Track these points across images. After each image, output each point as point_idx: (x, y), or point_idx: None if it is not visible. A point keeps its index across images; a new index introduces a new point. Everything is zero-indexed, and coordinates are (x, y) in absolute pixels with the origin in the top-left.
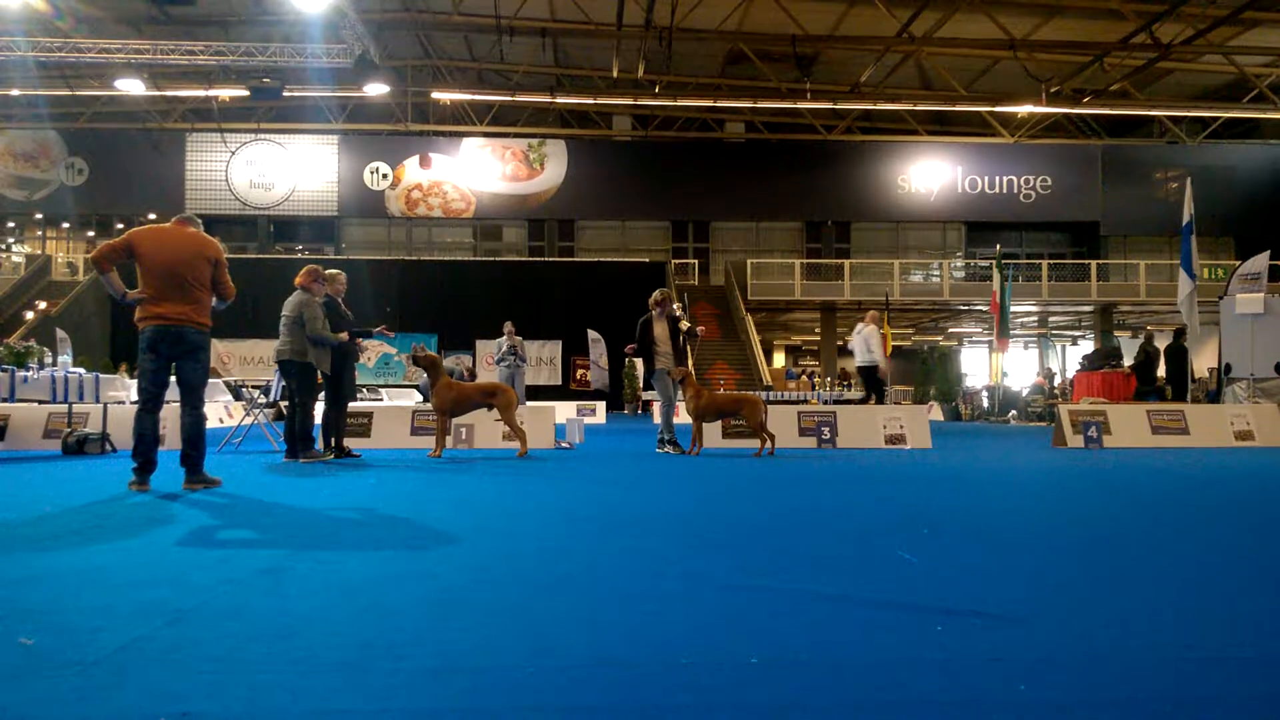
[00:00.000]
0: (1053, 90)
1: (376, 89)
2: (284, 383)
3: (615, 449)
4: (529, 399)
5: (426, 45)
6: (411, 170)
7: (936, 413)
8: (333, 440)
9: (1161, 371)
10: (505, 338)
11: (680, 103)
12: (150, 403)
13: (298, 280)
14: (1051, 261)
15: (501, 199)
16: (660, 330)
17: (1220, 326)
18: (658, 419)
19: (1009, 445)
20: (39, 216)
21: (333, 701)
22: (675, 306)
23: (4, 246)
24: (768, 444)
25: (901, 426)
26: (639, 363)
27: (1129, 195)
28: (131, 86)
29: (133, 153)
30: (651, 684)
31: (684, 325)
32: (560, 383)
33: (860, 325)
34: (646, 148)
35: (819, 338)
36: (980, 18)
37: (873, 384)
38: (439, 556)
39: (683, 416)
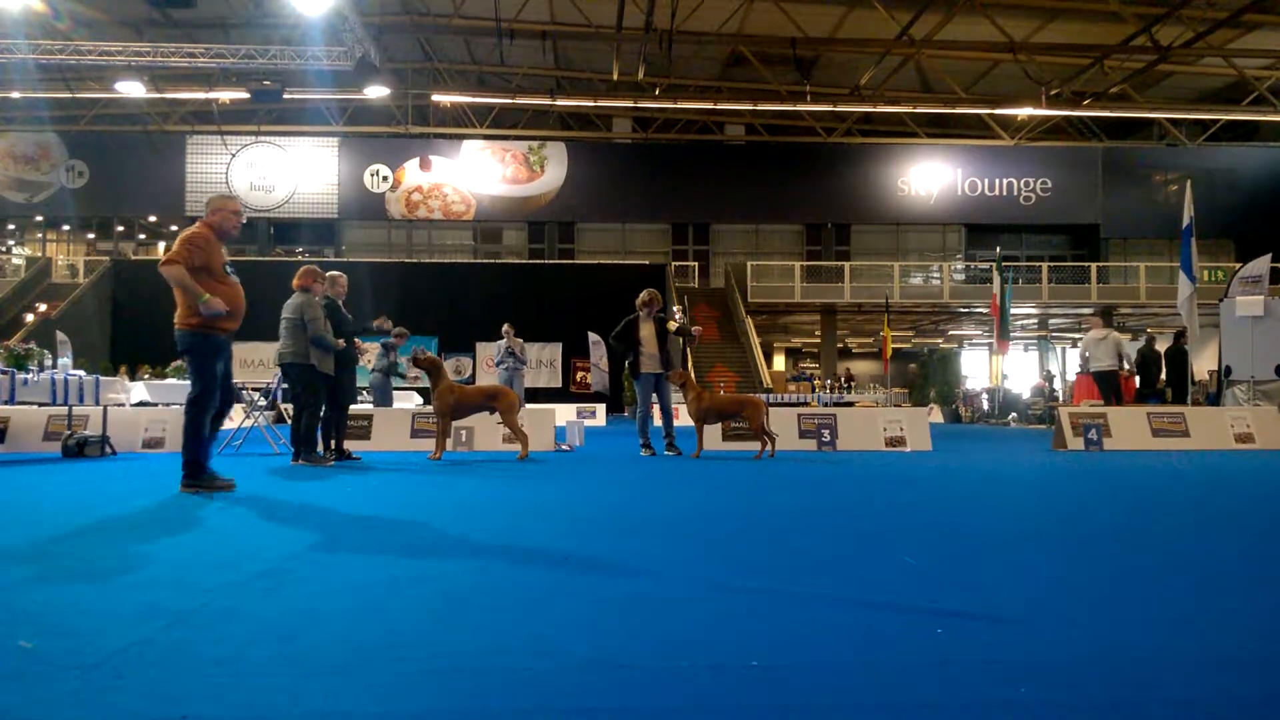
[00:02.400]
0: (1052, 93)
1: (377, 91)
2: (285, 386)
3: (615, 451)
4: (528, 401)
5: (427, 48)
6: (412, 173)
7: (937, 415)
8: (332, 443)
9: (1162, 374)
10: (504, 340)
11: (680, 105)
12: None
13: (296, 282)
14: (1051, 264)
15: (501, 201)
16: (646, 331)
17: (1220, 329)
18: (658, 421)
19: (1009, 448)
20: (39, 219)
21: (333, 703)
22: (675, 309)
23: (4, 249)
24: (768, 446)
25: (901, 429)
26: None
27: (1129, 197)
28: (132, 89)
29: (133, 155)
30: (651, 686)
31: (671, 326)
32: (560, 385)
33: (1095, 331)
34: (646, 150)
35: (819, 340)
36: (980, 20)
37: (1113, 389)
38: (439, 558)
39: (684, 419)
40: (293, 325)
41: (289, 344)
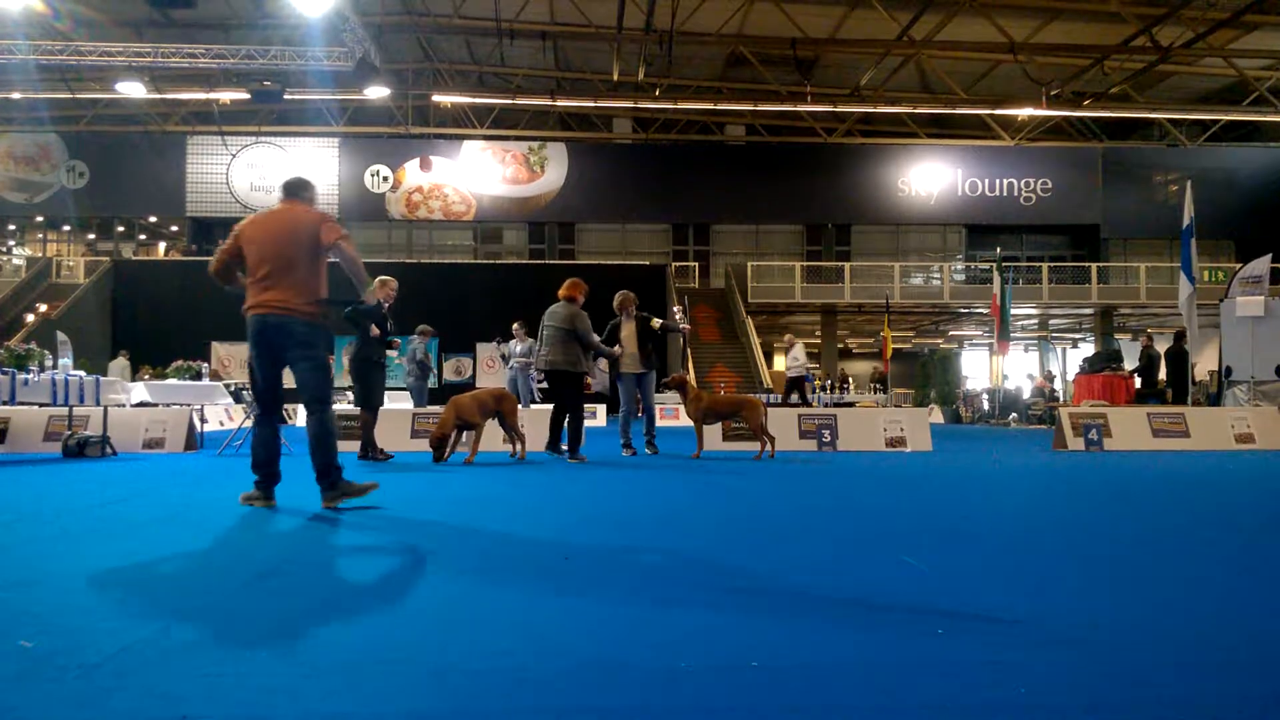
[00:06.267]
0: (1053, 93)
1: (377, 92)
2: (543, 387)
3: (615, 452)
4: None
5: (427, 48)
6: (412, 173)
7: (937, 415)
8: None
9: (1162, 374)
10: (515, 339)
11: (680, 106)
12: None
13: (563, 292)
14: (1052, 264)
15: (502, 202)
16: (626, 332)
17: (1221, 329)
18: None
19: (1009, 448)
20: (40, 219)
21: (332, 704)
22: (676, 309)
23: (4, 249)
24: (768, 447)
25: (902, 429)
26: None
27: (1129, 198)
28: (132, 89)
29: (133, 156)
30: (651, 686)
31: (655, 324)
32: None
33: (799, 345)
34: (647, 150)
35: (819, 340)
36: (980, 21)
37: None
38: (438, 559)
39: (683, 419)
40: (562, 335)
41: (559, 352)
